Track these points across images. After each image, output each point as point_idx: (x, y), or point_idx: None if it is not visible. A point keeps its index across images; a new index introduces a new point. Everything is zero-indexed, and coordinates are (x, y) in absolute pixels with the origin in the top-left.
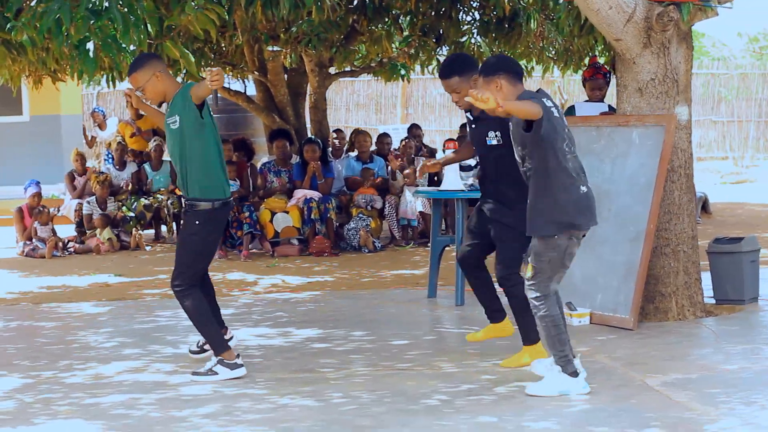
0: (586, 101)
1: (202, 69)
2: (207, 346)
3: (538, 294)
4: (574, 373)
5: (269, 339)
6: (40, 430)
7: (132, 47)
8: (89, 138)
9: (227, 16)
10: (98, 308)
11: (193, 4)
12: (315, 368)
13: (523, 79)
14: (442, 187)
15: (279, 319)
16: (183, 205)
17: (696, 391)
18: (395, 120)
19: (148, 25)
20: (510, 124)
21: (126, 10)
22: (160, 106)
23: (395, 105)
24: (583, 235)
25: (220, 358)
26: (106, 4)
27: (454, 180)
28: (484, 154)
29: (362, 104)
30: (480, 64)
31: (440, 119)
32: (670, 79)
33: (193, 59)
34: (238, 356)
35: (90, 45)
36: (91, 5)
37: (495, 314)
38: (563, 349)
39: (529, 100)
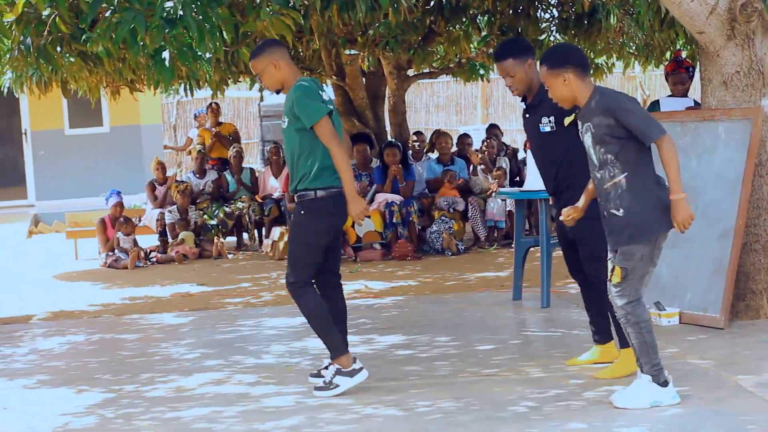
0: (670, 96)
1: None
2: (324, 371)
3: (628, 299)
4: (665, 383)
5: (353, 347)
6: None
7: (208, 55)
8: (184, 142)
9: (303, 21)
10: (180, 319)
11: (268, 9)
12: (399, 376)
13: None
14: (525, 187)
15: (362, 326)
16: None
17: None
18: (476, 120)
19: (224, 32)
20: (588, 125)
21: (201, 17)
22: (278, 92)
23: (475, 105)
24: None
25: (337, 367)
26: (181, 12)
27: (537, 180)
28: (538, 143)
29: (442, 105)
30: (531, 47)
31: (521, 118)
32: (756, 71)
33: None
34: (355, 360)
35: (166, 54)
36: (165, 14)
37: (602, 335)
38: (656, 357)
39: (673, 152)
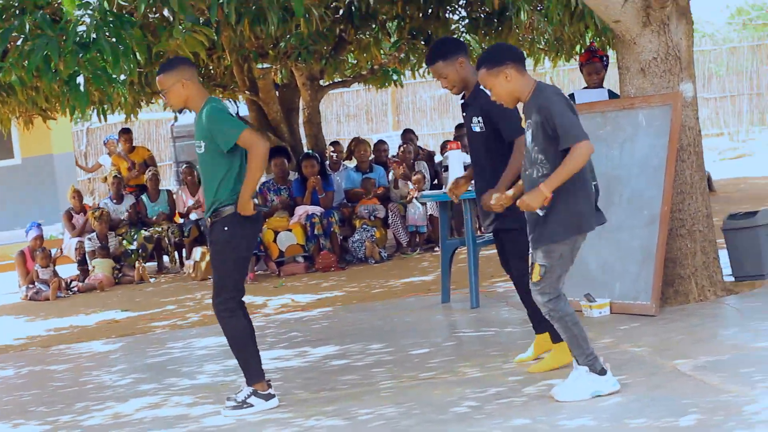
0: (585, 88)
1: None
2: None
3: (549, 297)
4: (603, 372)
5: (286, 360)
6: None
7: (122, 77)
8: (93, 165)
9: (216, 37)
10: (109, 346)
11: (181, 27)
12: (337, 386)
13: None
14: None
15: (294, 339)
16: (207, 223)
17: (729, 372)
18: (387, 128)
19: (137, 54)
20: (529, 121)
21: (114, 40)
22: (181, 111)
23: (386, 113)
24: None
25: (253, 389)
26: (94, 35)
27: None
28: (471, 141)
29: (353, 115)
30: (461, 45)
31: (432, 123)
32: (672, 56)
33: None
34: (270, 385)
35: (80, 79)
36: (78, 38)
37: (539, 324)
38: (588, 347)
39: (577, 161)
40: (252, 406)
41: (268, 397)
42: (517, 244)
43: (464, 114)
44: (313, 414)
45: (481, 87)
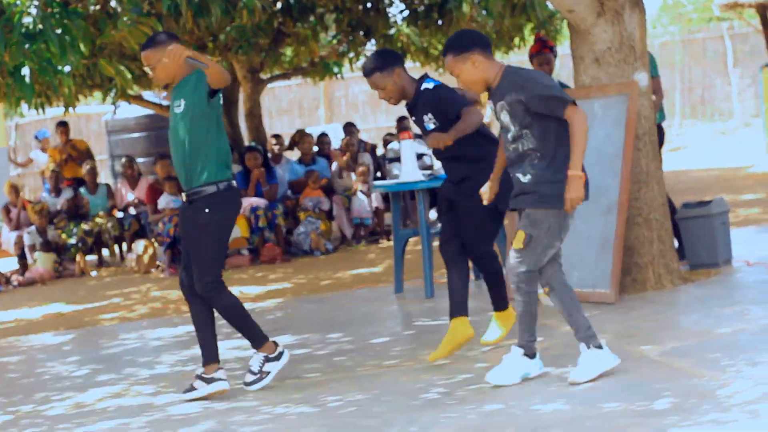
0: None
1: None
2: (197, 382)
3: (527, 268)
4: (533, 355)
5: (245, 350)
6: None
7: (67, 69)
8: (25, 160)
9: (161, 28)
10: (60, 338)
11: (125, 19)
12: (301, 374)
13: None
14: (402, 179)
15: None
16: (183, 200)
17: (697, 357)
18: (319, 122)
19: (81, 45)
20: (502, 103)
21: (60, 31)
22: (166, 88)
23: (318, 107)
24: None
25: (264, 354)
26: (40, 26)
27: (412, 170)
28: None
29: (285, 109)
30: (397, 56)
31: (365, 118)
32: (627, 46)
33: (129, 76)
34: (276, 343)
35: (25, 70)
36: (24, 29)
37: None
38: (534, 327)
39: (582, 129)
40: (269, 372)
41: (280, 356)
42: (470, 227)
43: (414, 118)
44: (282, 401)
45: (421, 88)
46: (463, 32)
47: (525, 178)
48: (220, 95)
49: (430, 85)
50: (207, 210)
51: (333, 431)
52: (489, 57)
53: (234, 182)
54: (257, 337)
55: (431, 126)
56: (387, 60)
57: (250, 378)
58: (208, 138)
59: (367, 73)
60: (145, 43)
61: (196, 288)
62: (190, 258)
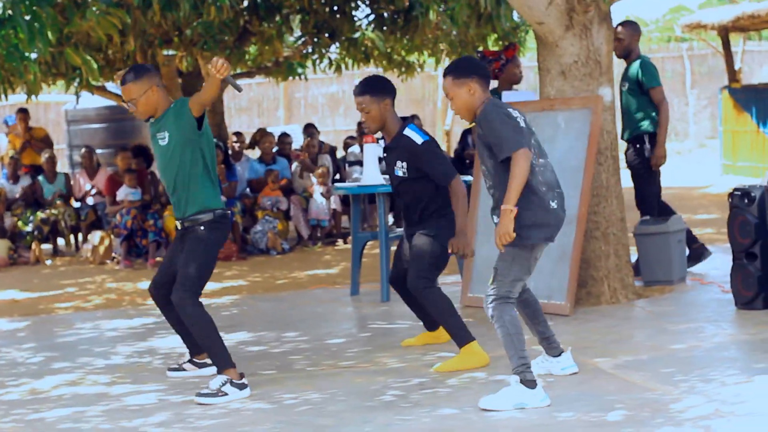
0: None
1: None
2: (186, 365)
3: (495, 296)
4: (533, 383)
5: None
6: None
7: (34, 56)
8: None
9: (129, 20)
10: (14, 324)
11: (94, 9)
12: (256, 371)
13: None
14: (363, 182)
15: None
16: (179, 227)
17: (651, 371)
18: (278, 122)
19: (49, 33)
20: (476, 145)
21: (29, 17)
22: (147, 120)
23: (277, 107)
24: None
25: (228, 377)
26: (10, 12)
27: (374, 174)
28: (395, 184)
29: (245, 108)
30: (391, 88)
31: (323, 120)
32: (593, 60)
33: (96, 66)
34: (242, 375)
35: None
36: None
37: (431, 324)
38: (523, 352)
39: (520, 168)
40: (226, 395)
41: (242, 386)
42: (419, 259)
43: (385, 156)
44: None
45: (405, 133)
46: (468, 59)
47: (496, 220)
48: (206, 122)
49: (416, 138)
50: (202, 228)
51: (289, 428)
52: (484, 89)
53: (228, 211)
54: (223, 361)
55: (400, 173)
56: (380, 87)
57: (205, 390)
58: (196, 167)
59: (358, 92)
60: (126, 77)
61: (172, 297)
62: (171, 271)
